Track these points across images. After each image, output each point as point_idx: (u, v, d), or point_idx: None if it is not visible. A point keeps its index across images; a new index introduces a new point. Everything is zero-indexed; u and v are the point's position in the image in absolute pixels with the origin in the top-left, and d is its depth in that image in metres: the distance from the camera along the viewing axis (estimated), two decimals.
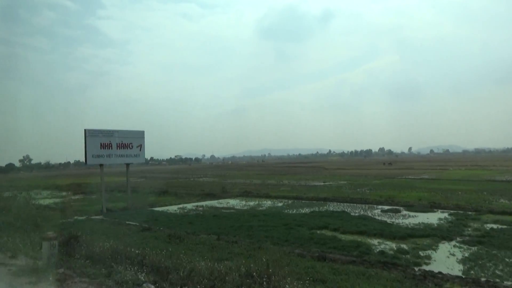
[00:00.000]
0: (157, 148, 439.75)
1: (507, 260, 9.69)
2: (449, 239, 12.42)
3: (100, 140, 21.01)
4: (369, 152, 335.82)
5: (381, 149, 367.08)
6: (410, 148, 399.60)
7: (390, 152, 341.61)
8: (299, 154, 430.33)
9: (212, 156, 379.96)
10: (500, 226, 14.17)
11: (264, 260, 6.42)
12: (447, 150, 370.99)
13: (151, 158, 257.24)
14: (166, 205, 23.27)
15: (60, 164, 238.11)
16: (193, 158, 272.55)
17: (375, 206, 20.56)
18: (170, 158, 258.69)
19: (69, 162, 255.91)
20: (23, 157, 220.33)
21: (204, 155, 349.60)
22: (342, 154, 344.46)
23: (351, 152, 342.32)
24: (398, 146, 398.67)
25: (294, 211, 19.13)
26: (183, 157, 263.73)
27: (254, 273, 5.95)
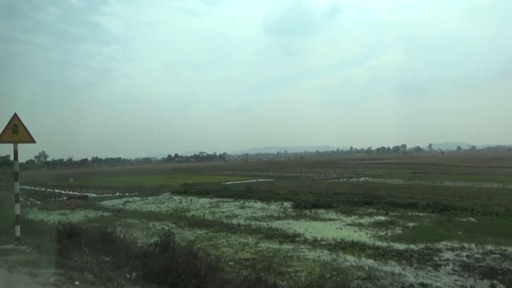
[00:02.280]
0: (160, 144, 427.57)
1: None
2: None
3: None
4: (397, 148, 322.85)
5: (403, 146, 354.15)
6: (430, 145, 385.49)
7: (418, 148, 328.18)
8: (317, 151, 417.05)
9: (225, 153, 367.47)
10: None
11: None
12: (473, 147, 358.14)
13: (176, 155, 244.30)
14: None
15: (83, 160, 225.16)
16: (218, 155, 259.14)
17: None
18: (195, 154, 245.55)
19: (86, 159, 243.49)
20: (39, 153, 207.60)
21: (215, 152, 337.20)
22: (368, 151, 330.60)
23: (378, 149, 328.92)
24: (408, 142, 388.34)
25: None
26: (206, 154, 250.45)
27: None
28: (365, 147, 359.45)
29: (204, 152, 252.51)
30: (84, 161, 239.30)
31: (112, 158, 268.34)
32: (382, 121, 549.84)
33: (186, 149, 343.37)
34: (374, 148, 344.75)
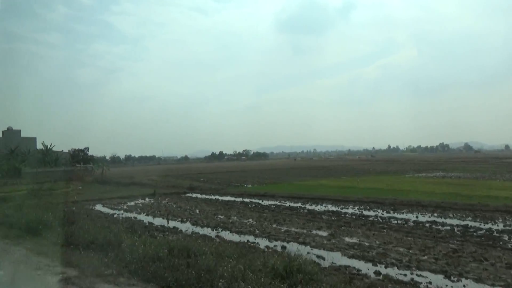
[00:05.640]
0: (170, 144, 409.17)
1: None
2: None
3: None
4: (446, 146, 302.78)
5: (441, 144, 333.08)
6: (466, 144, 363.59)
7: (468, 147, 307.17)
8: (349, 150, 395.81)
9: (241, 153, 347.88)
10: None
11: None
12: (507, 146, 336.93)
13: (220, 153, 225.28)
14: None
15: (115, 158, 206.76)
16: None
17: None
18: (238, 152, 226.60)
19: (118, 157, 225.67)
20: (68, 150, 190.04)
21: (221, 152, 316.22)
22: (413, 150, 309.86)
23: (426, 148, 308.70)
24: (423, 142, 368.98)
25: None
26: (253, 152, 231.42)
27: None
28: (381, 147, 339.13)
29: (249, 150, 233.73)
30: (117, 158, 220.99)
31: (146, 157, 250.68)
32: (396, 120, 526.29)
33: (196, 149, 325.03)
34: (393, 147, 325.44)
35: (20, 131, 77.34)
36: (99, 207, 27.24)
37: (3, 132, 71.71)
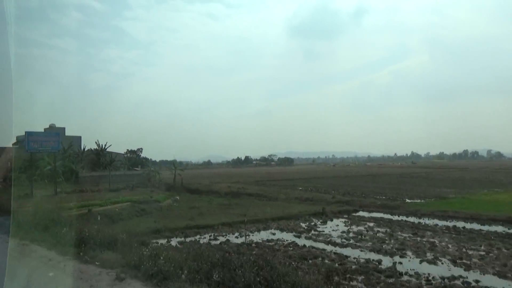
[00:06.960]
0: (181, 149, 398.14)
1: None
2: None
3: None
4: (475, 153, 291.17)
5: (465, 151, 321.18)
6: (489, 151, 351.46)
7: (499, 154, 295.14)
8: (368, 156, 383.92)
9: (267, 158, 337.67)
10: None
11: None
12: None
13: (246, 158, 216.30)
14: None
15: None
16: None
17: None
18: (264, 158, 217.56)
19: None
20: None
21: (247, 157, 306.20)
22: (439, 157, 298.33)
23: (454, 154, 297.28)
24: (438, 148, 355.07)
25: None
26: (277, 157, 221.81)
27: None
28: (397, 154, 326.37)
29: (274, 155, 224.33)
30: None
31: (167, 161, 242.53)
32: (410, 126, 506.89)
33: (207, 153, 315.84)
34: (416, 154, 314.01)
35: (64, 128, 68.65)
36: (275, 233, 18.26)
37: (45, 129, 63.14)
